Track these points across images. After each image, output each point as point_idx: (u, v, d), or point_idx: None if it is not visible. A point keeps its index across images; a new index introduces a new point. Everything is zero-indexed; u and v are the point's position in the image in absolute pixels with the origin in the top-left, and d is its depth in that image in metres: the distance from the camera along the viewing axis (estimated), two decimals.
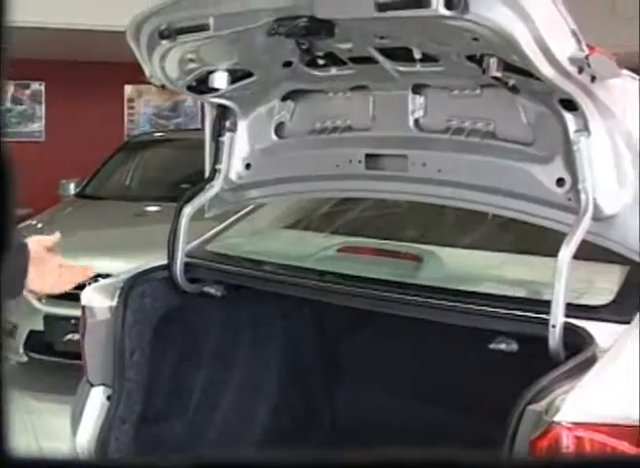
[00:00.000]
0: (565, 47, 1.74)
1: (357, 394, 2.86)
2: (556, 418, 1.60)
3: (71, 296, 5.57)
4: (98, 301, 2.58)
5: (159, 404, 2.68)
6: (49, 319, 5.49)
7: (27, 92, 12.03)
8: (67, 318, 5.45)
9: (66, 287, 1.98)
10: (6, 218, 1.24)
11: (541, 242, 2.26)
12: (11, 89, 11.82)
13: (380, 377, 2.76)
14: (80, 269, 2.01)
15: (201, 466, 1.23)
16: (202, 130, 9.14)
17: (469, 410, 2.31)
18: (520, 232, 2.47)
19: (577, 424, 1.60)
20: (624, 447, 1.61)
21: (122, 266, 3.14)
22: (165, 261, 2.61)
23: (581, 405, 1.63)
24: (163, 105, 12.94)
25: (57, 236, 1.99)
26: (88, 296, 2.62)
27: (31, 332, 5.39)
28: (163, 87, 2.51)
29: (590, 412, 1.63)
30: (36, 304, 5.45)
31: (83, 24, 8.15)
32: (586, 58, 1.74)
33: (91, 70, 11.24)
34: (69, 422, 2.70)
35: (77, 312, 5.27)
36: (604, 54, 1.77)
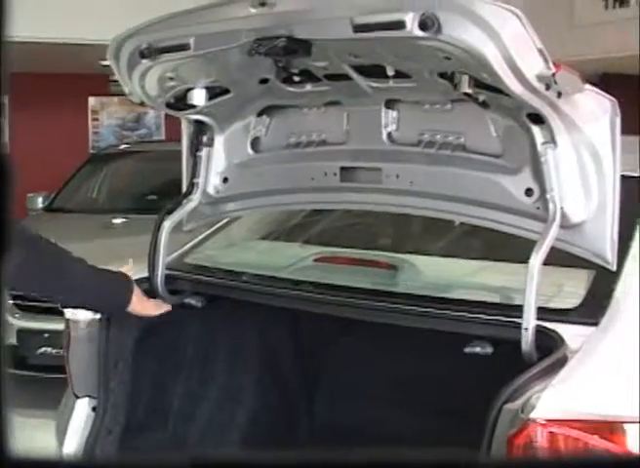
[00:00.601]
0: (533, 65, 1.84)
1: (335, 402, 2.91)
2: (531, 416, 1.69)
3: (44, 310, 5.61)
4: (81, 314, 2.63)
5: (141, 414, 2.73)
6: (22, 333, 5.53)
7: None
8: (40, 332, 5.49)
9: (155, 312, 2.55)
10: (6, 218, 1.29)
11: (512, 250, 2.36)
12: None
13: (357, 385, 2.83)
14: None
15: (199, 465, 1.29)
16: (166, 141, 9.19)
17: (447, 414, 2.39)
18: (491, 240, 2.57)
19: (551, 421, 1.70)
20: (596, 441, 1.70)
21: None
22: (145, 274, 2.67)
23: (555, 402, 1.73)
24: (127, 117, 12.95)
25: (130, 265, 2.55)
26: (72, 310, 2.67)
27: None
28: (142, 103, 2.57)
29: (563, 409, 1.73)
30: (9, 319, 5.47)
31: (47, 37, 8.17)
32: (553, 75, 1.83)
33: (55, 82, 11.23)
34: (50, 435, 2.75)
35: (50, 326, 5.35)
36: (569, 71, 1.87)
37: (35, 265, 2.33)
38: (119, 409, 2.62)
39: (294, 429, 2.96)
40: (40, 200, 7.62)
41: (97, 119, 12.84)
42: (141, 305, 2.50)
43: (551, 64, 1.83)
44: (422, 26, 1.80)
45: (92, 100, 12.62)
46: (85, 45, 8.35)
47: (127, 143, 10.57)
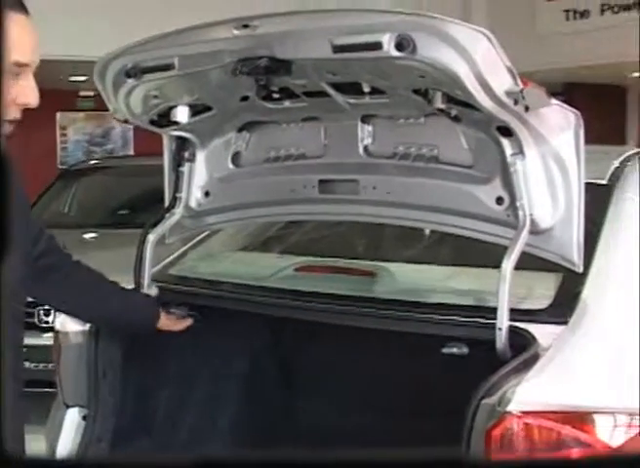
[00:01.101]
0: (502, 82, 1.96)
1: (317, 407, 3.01)
2: (508, 409, 1.81)
3: (26, 326, 5.64)
4: (71, 326, 2.71)
5: (129, 422, 2.81)
6: None
7: None
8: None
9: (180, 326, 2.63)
10: (6, 218, 1.33)
11: (483, 255, 2.48)
12: None
13: (338, 389, 2.92)
14: None
15: (203, 464, 1.32)
16: (136, 156, 9.23)
17: (427, 414, 2.49)
18: (464, 247, 2.69)
19: (526, 413, 1.82)
20: (568, 431, 1.83)
21: None
22: (131, 286, 2.76)
23: (529, 395, 1.85)
24: (94, 132, 12.97)
25: None
26: (62, 322, 2.75)
27: None
28: (126, 121, 2.65)
29: (537, 402, 1.85)
30: None
31: None
32: (521, 91, 1.96)
33: None
34: (38, 447, 2.82)
35: (28, 340, 5.36)
36: (536, 87, 2.00)
37: (76, 290, 2.44)
38: (108, 417, 2.70)
39: (274, 433, 3.05)
40: None
41: (64, 135, 12.85)
42: (168, 321, 2.60)
43: (519, 81, 1.95)
44: (399, 47, 1.92)
45: (59, 116, 12.63)
46: (53, 61, 8.39)
47: (97, 159, 10.57)
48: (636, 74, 10.27)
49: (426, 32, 1.90)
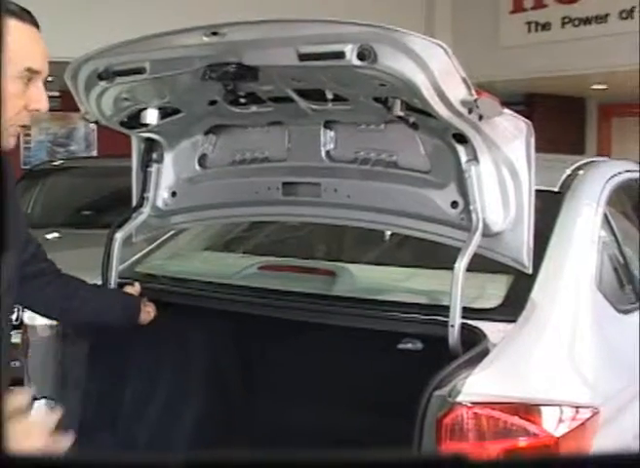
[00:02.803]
0: (457, 92, 2.07)
1: (275, 402, 3.10)
2: (458, 399, 1.92)
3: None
4: (39, 320, 2.77)
5: (93, 415, 2.88)
6: None
7: None
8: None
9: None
10: (4, 218, 1.34)
11: (438, 257, 2.59)
12: None
13: (296, 385, 3.02)
14: None
15: (193, 464, 1.31)
16: (100, 157, 9.24)
17: (383, 407, 2.59)
18: (420, 249, 2.80)
19: (475, 403, 1.93)
20: (515, 421, 1.94)
21: None
22: (99, 282, 2.83)
23: (478, 387, 1.96)
24: (59, 133, 12.92)
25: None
26: (30, 316, 2.81)
27: None
28: (96, 122, 2.72)
29: (485, 393, 1.96)
30: None
31: None
32: (475, 100, 2.07)
33: None
34: None
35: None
36: (489, 97, 2.11)
37: (59, 296, 2.49)
38: (74, 410, 2.76)
39: (235, 428, 3.13)
40: None
41: (28, 135, 12.79)
42: (146, 315, 2.70)
43: (473, 91, 2.06)
44: (360, 57, 2.02)
45: None
46: None
47: (61, 159, 10.55)
48: (596, 86, 10.50)
49: (387, 43, 2.01)
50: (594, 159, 3.19)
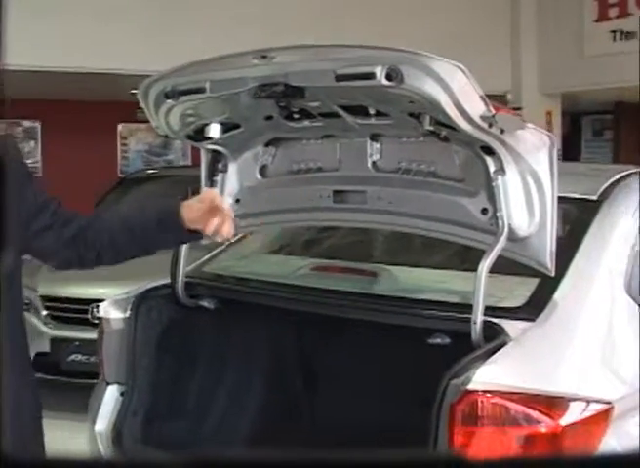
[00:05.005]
0: (476, 108, 2.28)
1: (333, 394, 3.32)
2: (469, 387, 2.13)
3: (75, 320, 6.02)
4: (113, 313, 3.08)
5: (163, 403, 3.16)
6: (54, 341, 5.97)
7: (20, 129, 12.52)
8: (72, 340, 5.93)
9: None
10: (4, 218, 1.45)
11: (470, 260, 2.78)
12: (2, 127, 12.31)
13: (350, 378, 3.24)
14: None
15: (197, 464, 1.34)
16: (192, 167, 9.63)
17: (415, 399, 2.79)
18: (454, 253, 3.01)
19: (483, 391, 2.13)
20: (521, 409, 2.13)
21: (111, 292, 3.65)
22: (168, 281, 3.12)
23: (489, 377, 2.16)
24: (154, 143, 13.41)
25: None
26: (105, 309, 3.12)
27: (37, 354, 5.82)
28: (166, 136, 3.01)
29: (495, 382, 2.16)
30: (43, 328, 5.94)
31: (81, 67, 8.68)
32: (493, 116, 2.28)
33: (85, 109, 11.70)
34: (81, 435, 3.16)
35: (80, 335, 5.76)
36: (508, 112, 2.32)
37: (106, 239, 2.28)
38: (143, 394, 3.06)
39: (297, 418, 3.36)
40: None
41: (125, 144, 13.34)
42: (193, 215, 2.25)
43: (491, 107, 2.27)
44: (388, 77, 2.26)
45: (120, 127, 13.15)
46: (114, 75, 8.87)
47: (155, 168, 11.02)
48: None
49: (412, 65, 2.24)
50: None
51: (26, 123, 12.49)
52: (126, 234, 2.29)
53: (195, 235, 2.29)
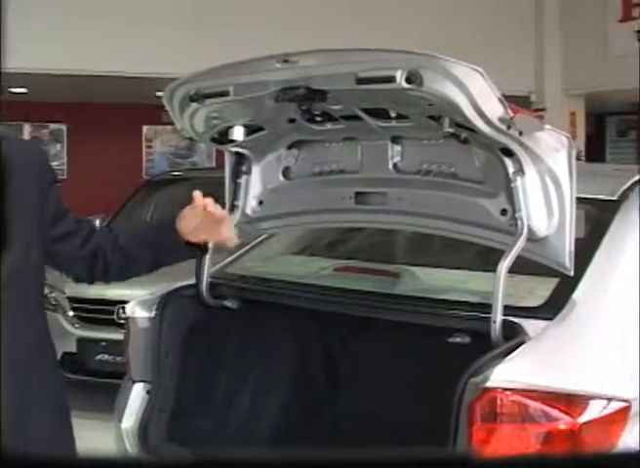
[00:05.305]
0: (495, 110, 2.32)
1: (355, 394, 3.37)
2: (487, 385, 2.16)
3: (101, 321, 6.11)
4: (139, 313, 3.14)
5: (188, 401, 3.21)
6: (81, 342, 6.07)
7: (46, 131, 12.67)
8: (98, 340, 6.02)
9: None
10: (4, 219, 1.44)
11: (491, 261, 2.81)
12: (29, 129, 12.47)
13: (371, 376, 3.29)
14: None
15: (200, 463, 1.46)
16: (216, 169, 9.73)
17: (435, 397, 2.83)
18: (475, 254, 3.04)
19: (504, 389, 2.16)
20: (536, 405, 2.16)
21: (136, 293, 3.71)
22: (193, 282, 3.18)
23: (507, 374, 2.20)
24: (179, 145, 13.52)
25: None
26: (132, 309, 3.18)
27: (64, 354, 5.90)
28: (191, 138, 3.06)
29: (513, 380, 2.19)
30: (70, 328, 6.04)
31: (102, 71, 8.79)
32: (511, 118, 2.31)
33: (111, 112, 11.82)
34: (107, 434, 3.21)
35: (107, 335, 5.85)
36: (526, 114, 2.35)
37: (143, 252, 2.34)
38: (169, 392, 3.11)
39: (319, 417, 3.40)
40: (97, 222, 8.15)
41: (150, 147, 13.45)
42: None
43: (509, 109, 2.30)
44: (408, 80, 2.30)
45: (145, 129, 13.26)
46: (139, 78, 8.98)
47: (179, 170, 11.10)
48: None
49: (432, 69, 2.28)
50: None
51: (52, 126, 12.66)
52: (134, 250, 2.32)
53: (195, 250, 2.30)
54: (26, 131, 12.41)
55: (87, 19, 8.48)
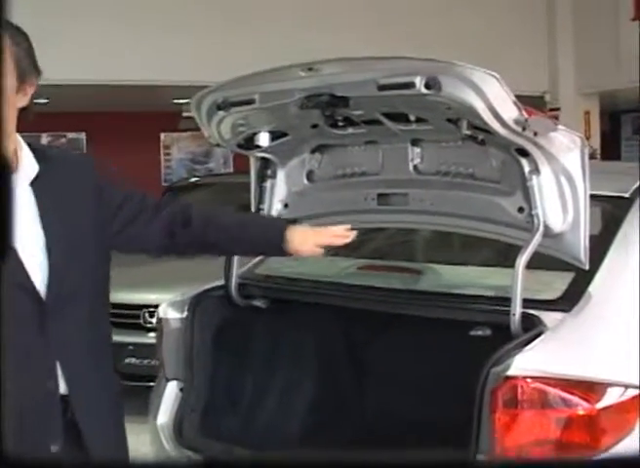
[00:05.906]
0: (510, 113, 2.43)
1: (381, 389, 3.48)
2: (508, 373, 2.28)
3: (129, 325, 6.22)
4: (171, 314, 3.27)
5: (219, 399, 3.32)
6: None
7: (64, 141, 12.83)
8: (126, 344, 6.13)
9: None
10: (5, 220, 1.43)
11: (510, 257, 2.93)
12: (47, 139, 12.63)
13: (398, 372, 3.40)
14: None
15: (209, 465, 1.49)
16: (235, 174, 9.82)
17: (458, 388, 2.94)
18: (494, 250, 3.16)
19: (525, 377, 2.28)
20: (555, 392, 2.28)
21: (161, 298, 3.82)
22: (222, 283, 3.30)
23: (527, 363, 2.31)
24: (197, 151, 13.68)
25: None
26: (164, 310, 3.31)
27: None
28: (218, 145, 3.18)
29: (533, 368, 2.31)
30: None
31: (119, 80, 8.93)
32: (526, 120, 2.43)
33: (128, 120, 11.95)
34: (136, 437, 3.30)
35: (135, 339, 5.93)
36: (540, 116, 2.46)
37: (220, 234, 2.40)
38: (201, 391, 3.23)
39: (346, 414, 3.51)
40: None
41: (168, 153, 13.61)
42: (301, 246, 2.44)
43: (524, 112, 2.42)
44: (427, 86, 2.42)
45: (163, 136, 13.42)
46: (157, 85, 9.12)
47: (198, 176, 11.22)
48: None
49: (449, 75, 2.40)
50: None
51: (71, 135, 12.83)
52: (220, 230, 2.38)
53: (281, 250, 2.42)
54: (44, 140, 12.57)
55: (104, 28, 8.63)
